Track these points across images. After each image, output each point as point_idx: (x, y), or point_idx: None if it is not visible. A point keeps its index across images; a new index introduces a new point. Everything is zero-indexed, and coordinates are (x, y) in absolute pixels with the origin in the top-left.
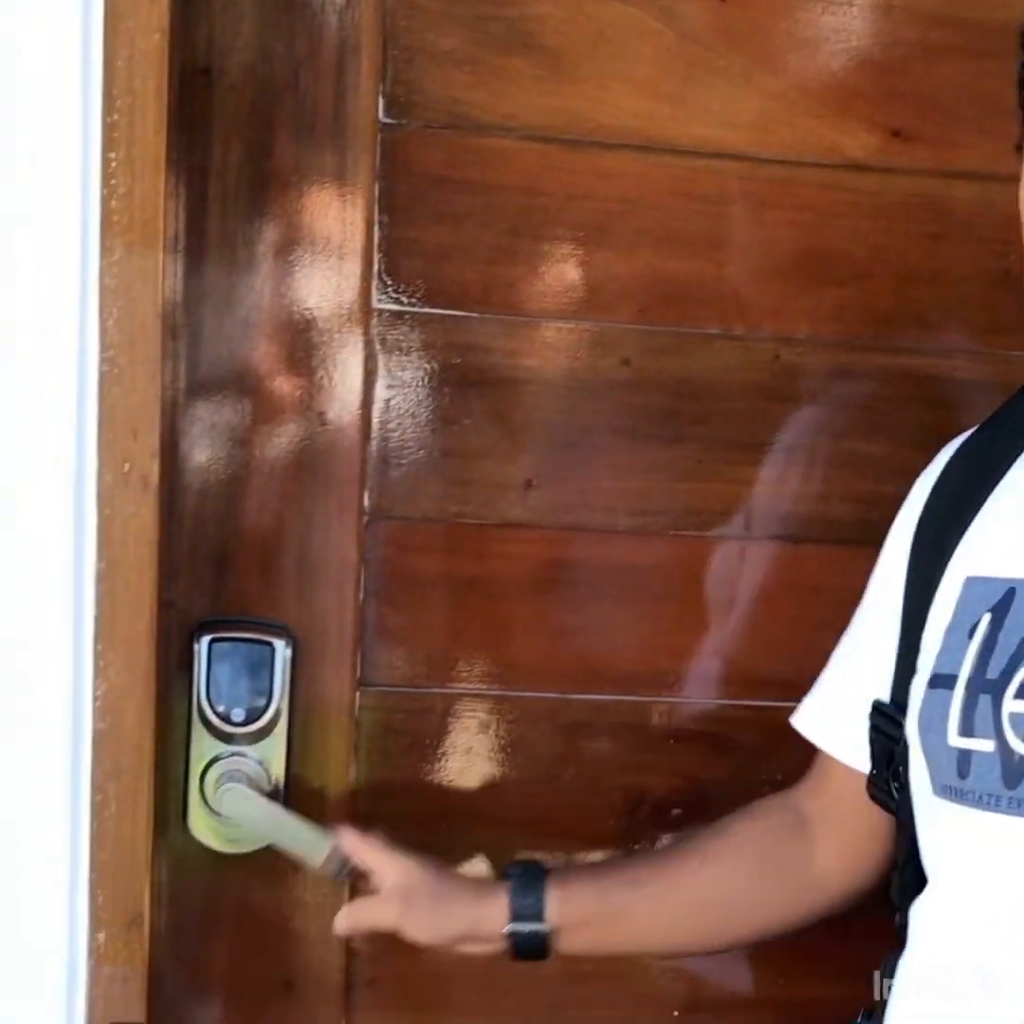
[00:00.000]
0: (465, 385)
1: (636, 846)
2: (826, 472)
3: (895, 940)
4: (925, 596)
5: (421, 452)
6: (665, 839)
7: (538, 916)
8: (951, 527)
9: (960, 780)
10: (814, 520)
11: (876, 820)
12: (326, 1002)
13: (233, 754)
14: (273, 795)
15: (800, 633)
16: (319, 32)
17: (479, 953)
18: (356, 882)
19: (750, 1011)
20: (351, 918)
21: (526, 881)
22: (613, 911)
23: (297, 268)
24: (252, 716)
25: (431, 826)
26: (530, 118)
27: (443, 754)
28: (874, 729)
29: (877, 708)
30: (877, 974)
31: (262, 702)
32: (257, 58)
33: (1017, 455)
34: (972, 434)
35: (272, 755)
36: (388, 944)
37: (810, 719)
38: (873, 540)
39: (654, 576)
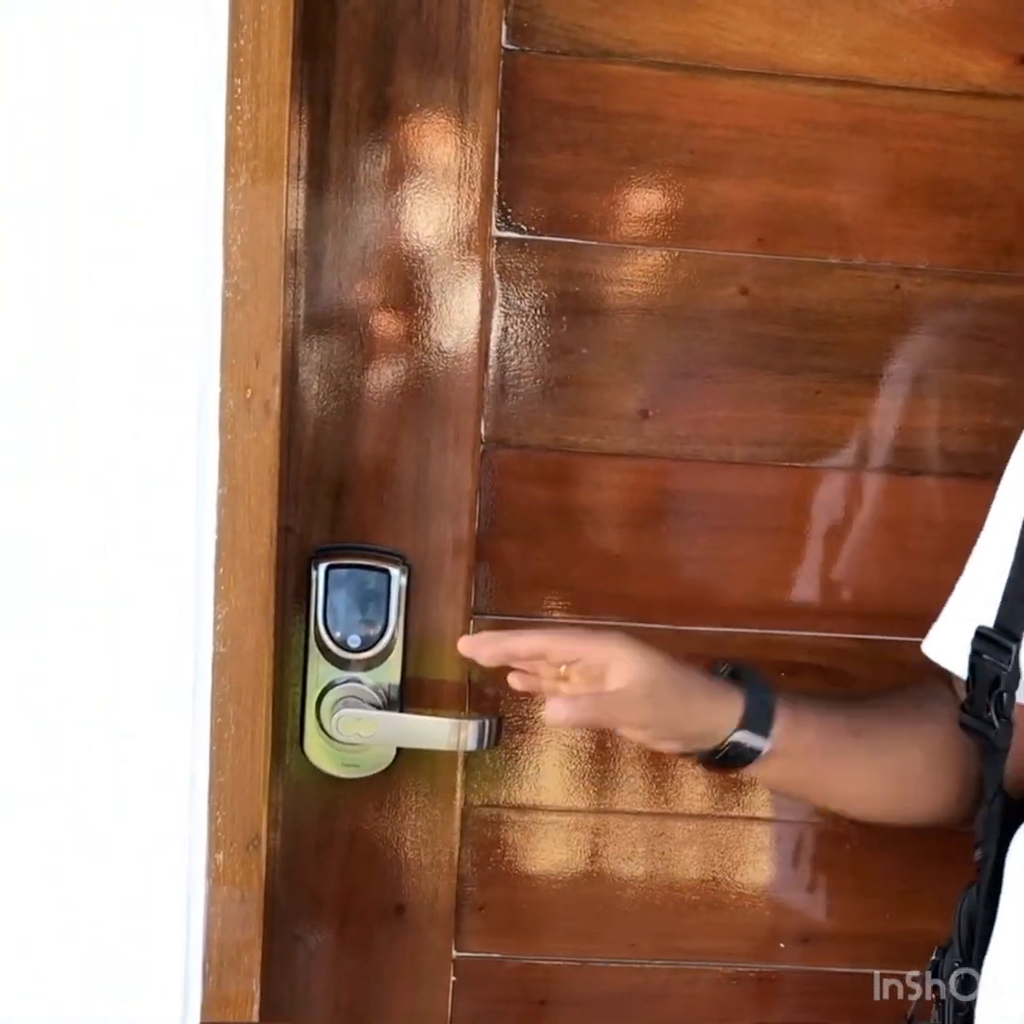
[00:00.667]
0: (582, 314)
1: (744, 779)
2: (945, 404)
3: (974, 872)
4: None
5: (537, 381)
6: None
7: (764, 731)
8: None
9: None
10: (932, 452)
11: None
12: (436, 927)
13: (349, 680)
14: None
15: (915, 566)
16: None
17: (678, 752)
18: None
19: (854, 944)
20: (593, 708)
21: (758, 692)
22: (829, 753)
23: (417, 196)
24: (368, 643)
25: (540, 757)
26: (652, 44)
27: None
28: (976, 654)
29: (982, 634)
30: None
31: (378, 629)
32: None
33: None
34: None
35: (387, 681)
36: (497, 870)
37: (939, 645)
38: (991, 473)
39: (769, 507)
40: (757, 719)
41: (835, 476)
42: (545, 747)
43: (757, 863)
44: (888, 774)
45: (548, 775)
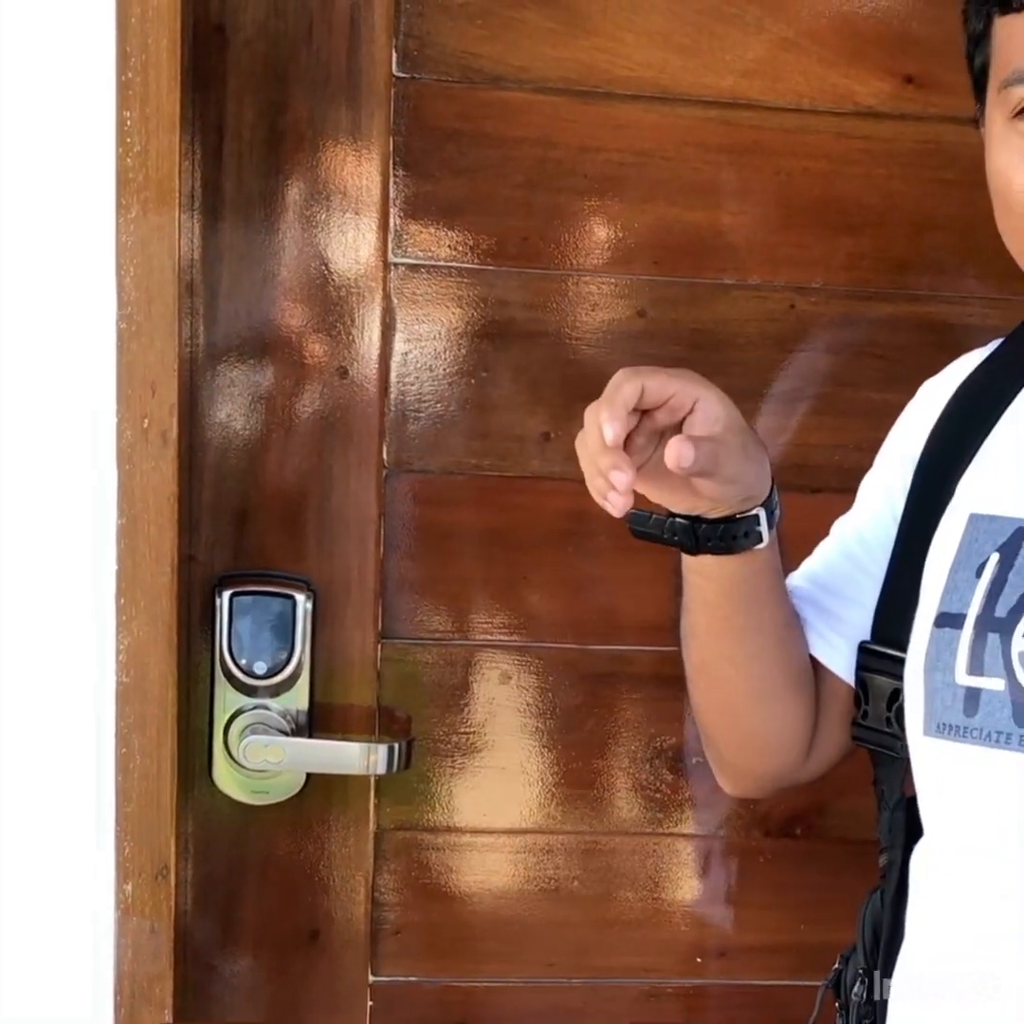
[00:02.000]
0: (482, 338)
1: (657, 795)
2: (842, 421)
3: (879, 878)
4: (926, 532)
5: (439, 405)
6: (685, 788)
7: (772, 522)
8: (953, 461)
9: (967, 718)
10: (830, 469)
11: (840, 716)
12: (352, 952)
13: (256, 707)
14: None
15: None
16: None
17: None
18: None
19: (770, 956)
20: (712, 453)
21: (776, 495)
22: (776, 593)
23: (314, 224)
24: (274, 669)
25: (453, 779)
26: (543, 71)
27: (465, 705)
28: (866, 668)
29: (869, 649)
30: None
31: (284, 655)
32: (270, 14)
33: (1018, 390)
34: (977, 366)
35: (295, 707)
36: (413, 893)
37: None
38: None
39: None
40: (773, 507)
41: None
42: (458, 769)
43: (672, 879)
44: (780, 653)
45: (461, 796)
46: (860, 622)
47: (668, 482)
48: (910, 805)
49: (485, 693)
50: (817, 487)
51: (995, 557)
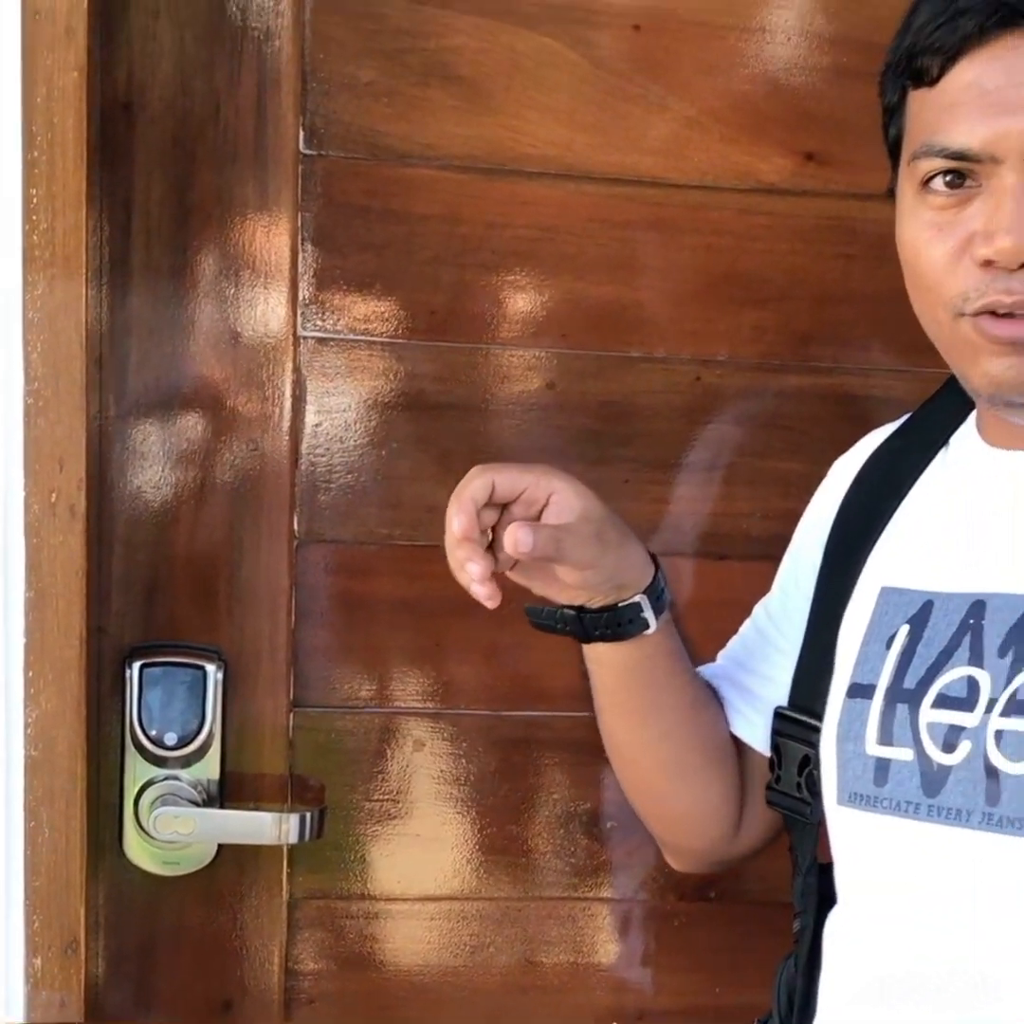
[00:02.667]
0: (393, 409)
1: (573, 860)
2: (749, 490)
3: (793, 942)
4: (838, 604)
5: (350, 476)
6: (600, 852)
7: (658, 609)
8: (864, 534)
9: (877, 788)
10: (737, 537)
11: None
12: (265, 1022)
13: (167, 778)
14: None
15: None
16: (238, 66)
17: (579, 603)
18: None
19: (686, 1019)
20: (552, 540)
21: (662, 581)
22: (677, 676)
23: (223, 297)
24: (185, 739)
25: (367, 847)
26: (449, 148)
27: (379, 773)
28: (780, 734)
29: (783, 715)
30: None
31: (195, 725)
32: (177, 92)
33: (927, 463)
34: (887, 439)
35: (205, 777)
36: (327, 963)
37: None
38: None
39: None
40: (659, 593)
41: None
42: (372, 836)
43: (589, 943)
44: (693, 731)
45: (376, 864)
46: (774, 697)
47: (540, 574)
48: (823, 871)
49: (399, 760)
50: (724, 554)
51: (905, 629)
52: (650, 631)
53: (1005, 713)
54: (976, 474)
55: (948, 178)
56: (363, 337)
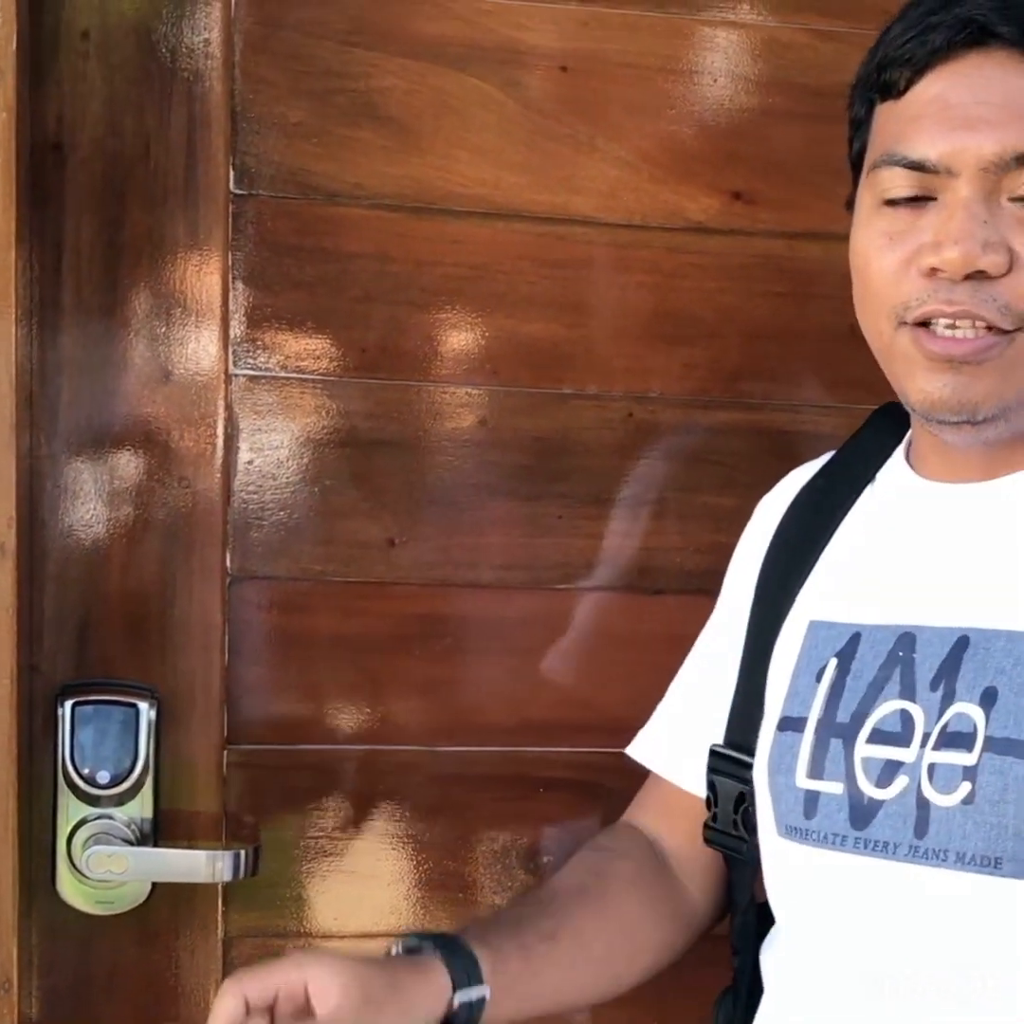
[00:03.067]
0: (325, 446)
1: (510, 895)
2: (681, 525)
3: (732, 981)
4: (768, 639)
5: (283, 512)
6: (538, 887)
7: (478, 978)
8: (793, 570)
9: (806, 820)
10: (671, 571)
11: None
12: None
13: (100, 816)
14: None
15: (661, 681)
16: (168, 106)
17: None
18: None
19: None
20: None
21: (450, 948)
22: (537, 968)
23: (154, 336)
24: (118, 778)
25: (303, 884)
26: (378, 187)
27: (313, 810)
28: (715, 772)
29: (717, 753)
30: (717, 1014)
31: (128, 763)
32: (107, 133)
33: (855, 499)
34: (813, 476)
35: (139, 816)
36: None
37: (650, 750)
38: None
39: (518, 629)
40: (465, 971)
41: (581, 597)
42: (307, 873)
43: None
44: (603, 954)
45: (312, 901)
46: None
47: None
48: (762, 908)
49: (335, 797)
50: (659, 589)
51: (833, 662)
52: (488, 995)
53: (937, 747)
54: (905, 507)
55: (909, 197)
56: (295, 374)
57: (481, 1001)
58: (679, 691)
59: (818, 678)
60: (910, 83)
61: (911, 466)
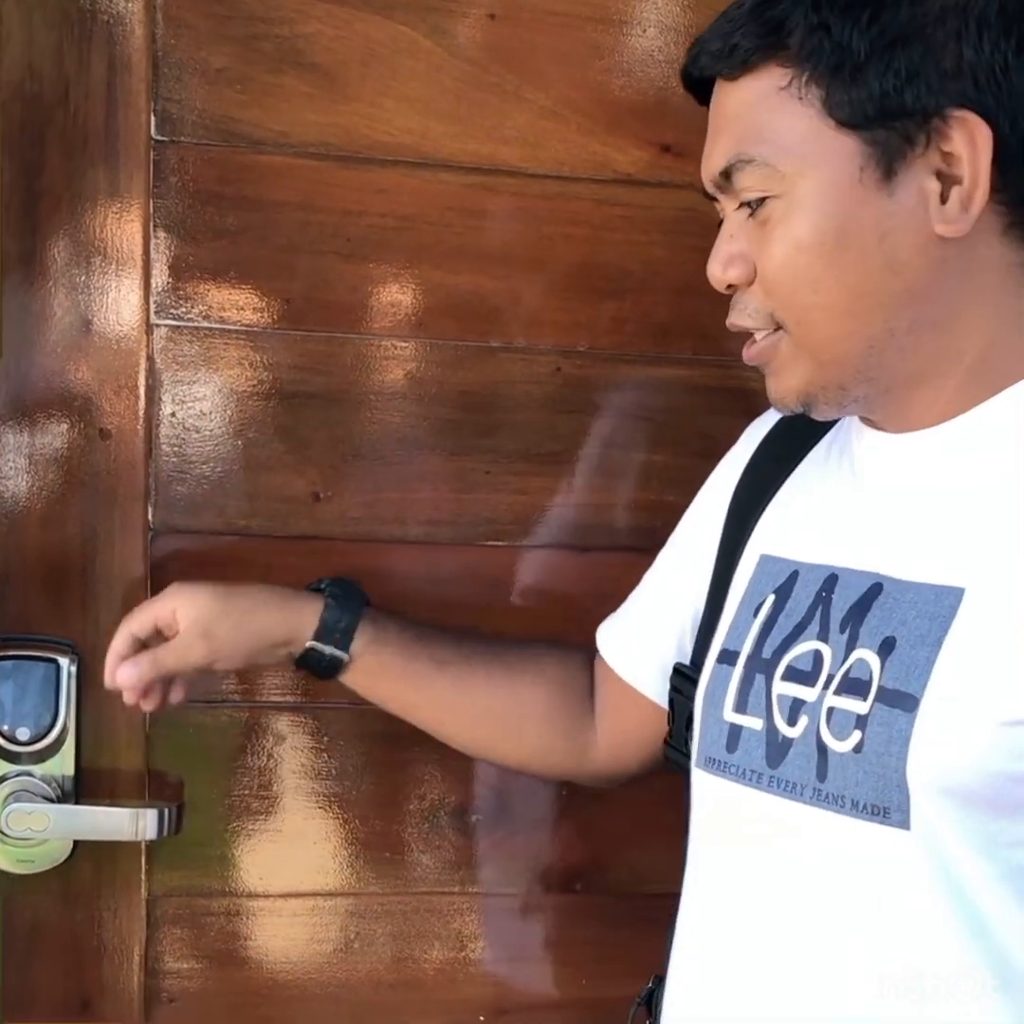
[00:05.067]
0: (248, 399)
1: (438, 854)
2: (610, 482)
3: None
4: (729, 567)
5: (206, 466)
6: (466, 846)
7: (344, 644)
8: (754, 504)
9: (728, 754)
10: (600, 528)
11: (644, 731)
12: (125, 1020)
13: (20, 773)
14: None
15: (589, 637)
16: (88, 50)
17: (270, 662)
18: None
19: (552, 1012)
20: (151, 667)
21: (342, 606)
22: (412, 677)
23: (74, 285)
24: (38, 734)
25: (228, 843)
26: (303, 135)
27: (239, 768)
28: (676, 690)
29: (679, 671)
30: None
31: (48, 720)
32: (26, 77)
33: (818, 438)
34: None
35: (60, 773)
36: (188, 960)
37: (613, 647)
38: (658, 547)
39: (445, 585)
40: (334, 632)
41: (509, 553)
42: (233, 832)
43: (454, 937)
44: (479, 710)
45: (237, 860)
46: (665, 646)
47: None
48: None
49: (260, 755)
50: (587, 546)
51: (771, 598)
52: (347, 660)
53: (838, 691)
54: (852, 451)
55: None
56: (218, 325)
57: (335, 660)
58: (647, 595)
59: (755, 612)
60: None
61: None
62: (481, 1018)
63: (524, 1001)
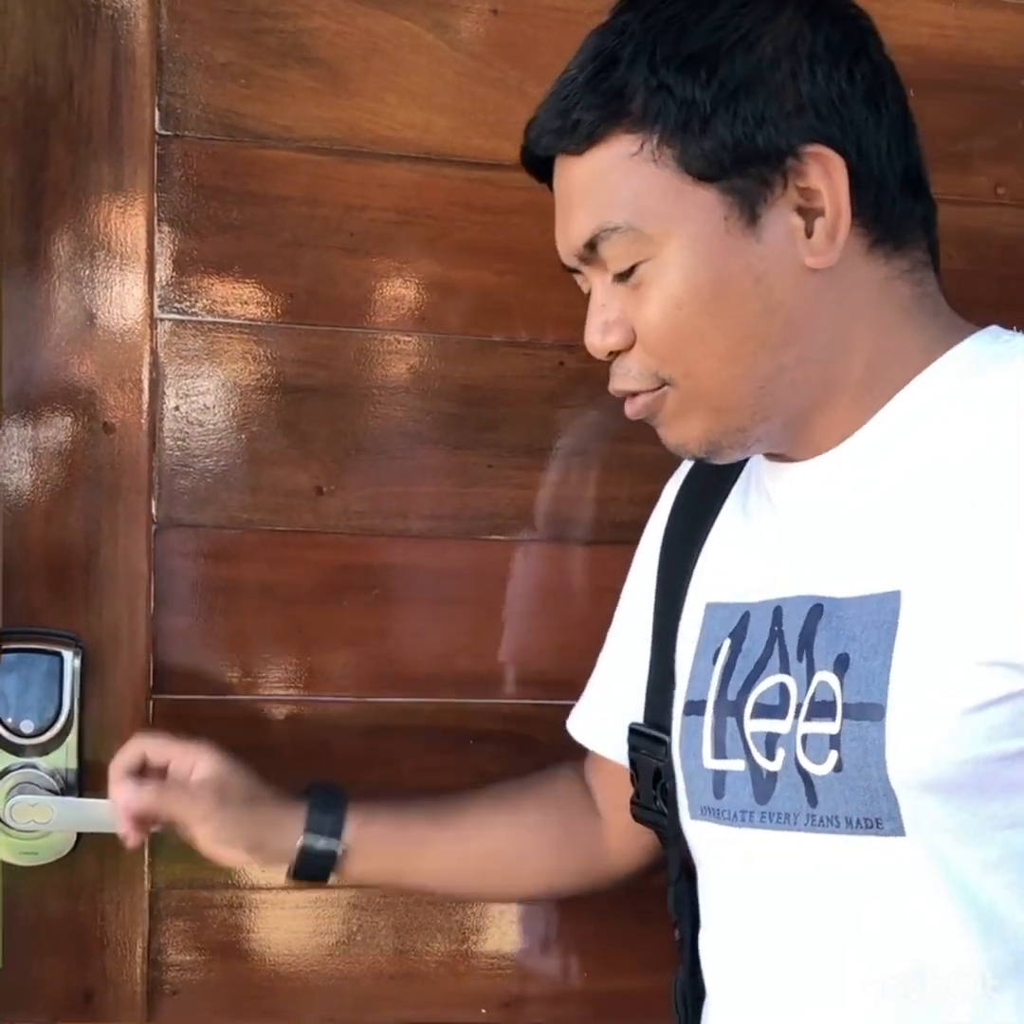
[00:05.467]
0: (252, 393)
1: None
2: (614, 475)
3: (676, 952)
4: (672, 622)
5: (210, 460)
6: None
7: (335, 833)
8: (688, 551)
9: (717, 800)
10: (602, 522)
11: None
12: (128, 1013)
13: (23, 766)
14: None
15: (594, 633)
16: (92, 44)
17: (266, 864)
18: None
19: (555, 1005)
20: (156, 800)
21: (327, 798)
22: (409, 842)
23: (78, 279)
24: (42, 727)
25: None
26: (307, 130)
27: (243, 761)
28: (635, 749)
29: (636, 731)
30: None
31: (52, 713)
32: (30, 72)
33: (730, 483)
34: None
35: (63, 766)
36: (190, 953)
37: (580, 724)
38: None
39: (448, 579)
40: (323, 823)
41: (511, 548)
42: None
43: (456, 930)
44: (482, 854)
45: None
46: (634, 713)
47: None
48: (692, 879)
49: (263, 748)
50: (590, 540)
51: (727, 643)
52: (342, 852)
53: (808, 717)
54: (765, 486)
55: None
56: (222, 319)
57: (331, 853)
58: (604, 665)
59: (714, 660)
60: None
61: None
62: (483, 1010)
63: (527, 994)
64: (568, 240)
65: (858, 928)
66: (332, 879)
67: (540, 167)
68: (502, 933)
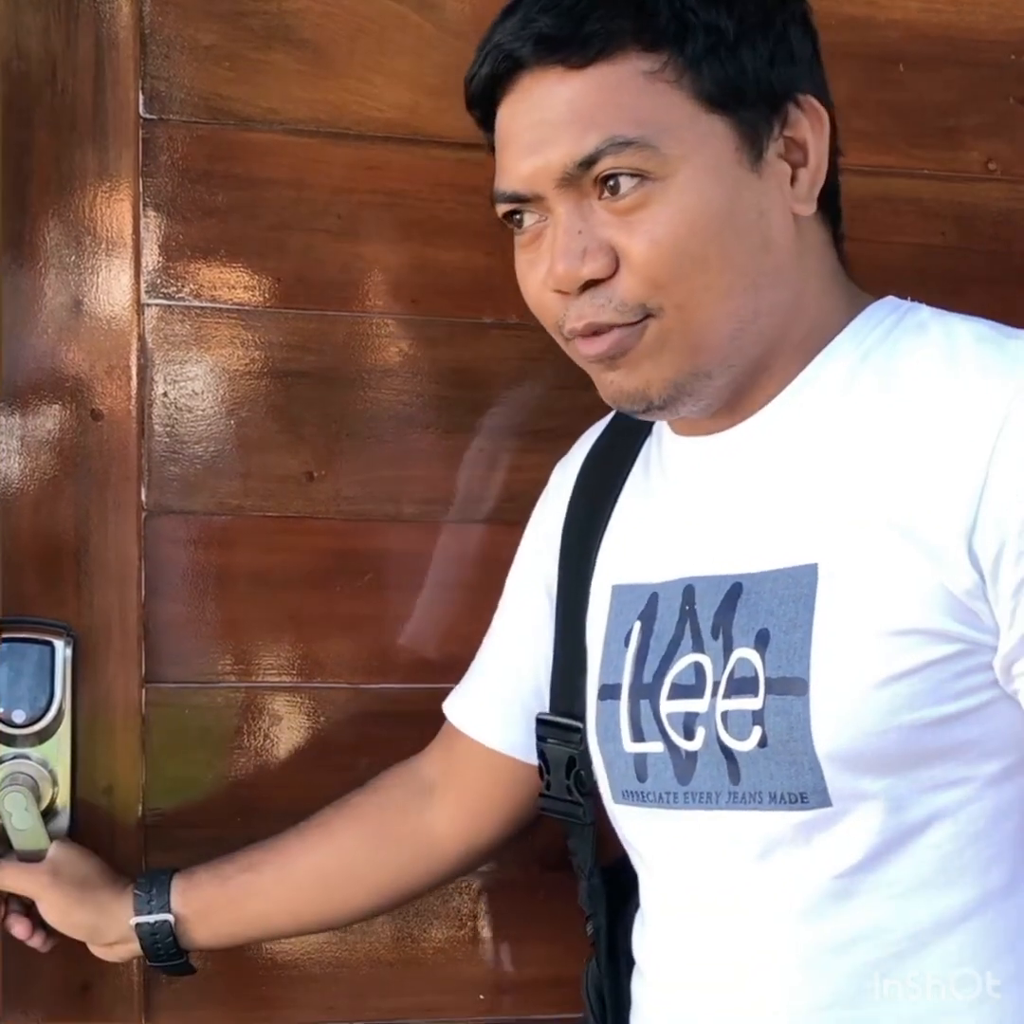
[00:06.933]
0: (241, 378)
1: None
2: None
3: (591, 947)
4: (579, 606)
5: (199, 446)
6: None
7: (163, 906)
8: (592, 534)
9: (640, 783)
10: None
11: (495, 790)
12: (124, 1003)
13: (16, 756)
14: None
15: None
16: (75, 28)
17: (113, 955)
18: None
19: (555, 990)
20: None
21: (152, 877)
22: (234, 895)
23: (63, 265)
24: (34, 717)
25: (223, 823)
26: (293, 112)
27: (234, 749)
28: (544, 740)
29: (544, 721)
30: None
31: (44, 703)
32: (13, 55)
33: (635, 457)
34: (598, 438)
35: (56, 756)
36: None
37: (460, 709)
38: None
39: (441, 564)
40: (150, 901)
41: (505, 531)
42: (227, 810)
43: (453, 916)
44: (310, 882)
45: (232, 843)
46: (531, 700)
47: None
48: (606, 872)
49: (256, 735)
50: None
51: (637, 625)
52: (175, 923)
53: (727, 694)
54: (669, 464)
55: (516, 218)
56: (209, 304)
57: (164, 925)
58: (489, 650)
59: (626, 643)
60: (488, 116)
61: (669, 424)
62: (481, 996)
63: (524, 980)
64: (549, 160)
65: (789, 902)
66: (194, 962)
67: (493, 94)
68: (499, 919)
